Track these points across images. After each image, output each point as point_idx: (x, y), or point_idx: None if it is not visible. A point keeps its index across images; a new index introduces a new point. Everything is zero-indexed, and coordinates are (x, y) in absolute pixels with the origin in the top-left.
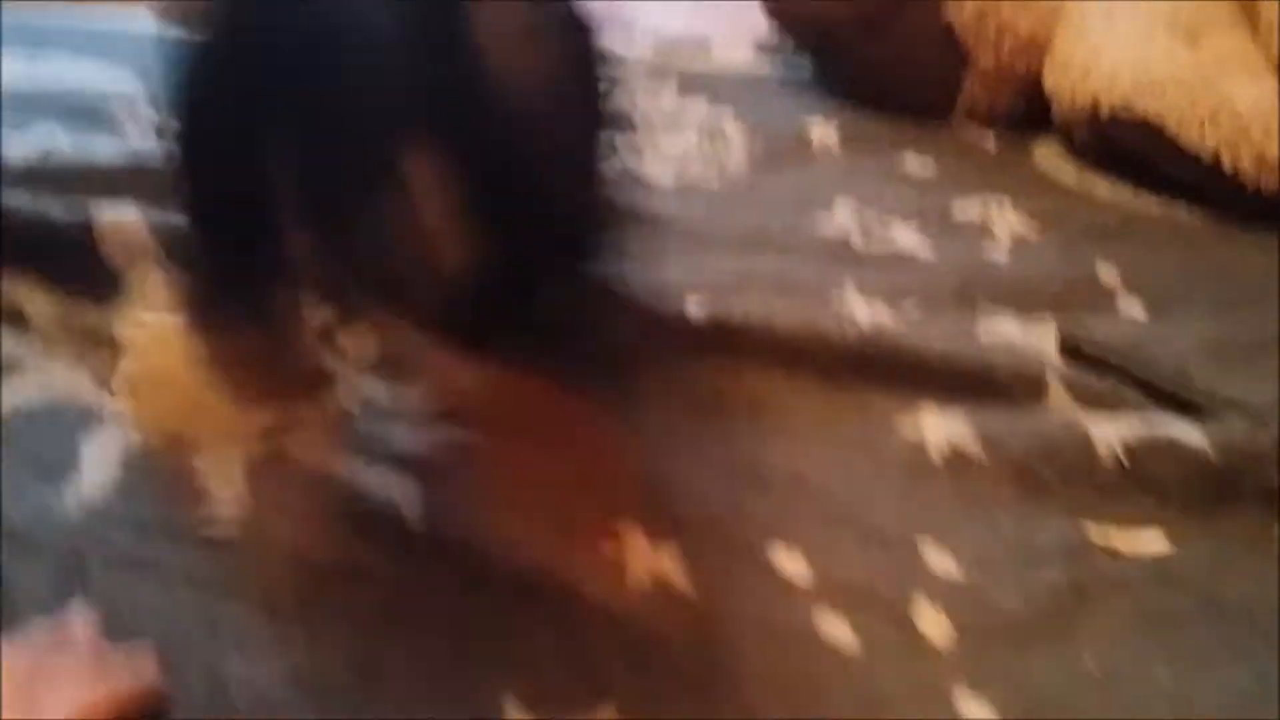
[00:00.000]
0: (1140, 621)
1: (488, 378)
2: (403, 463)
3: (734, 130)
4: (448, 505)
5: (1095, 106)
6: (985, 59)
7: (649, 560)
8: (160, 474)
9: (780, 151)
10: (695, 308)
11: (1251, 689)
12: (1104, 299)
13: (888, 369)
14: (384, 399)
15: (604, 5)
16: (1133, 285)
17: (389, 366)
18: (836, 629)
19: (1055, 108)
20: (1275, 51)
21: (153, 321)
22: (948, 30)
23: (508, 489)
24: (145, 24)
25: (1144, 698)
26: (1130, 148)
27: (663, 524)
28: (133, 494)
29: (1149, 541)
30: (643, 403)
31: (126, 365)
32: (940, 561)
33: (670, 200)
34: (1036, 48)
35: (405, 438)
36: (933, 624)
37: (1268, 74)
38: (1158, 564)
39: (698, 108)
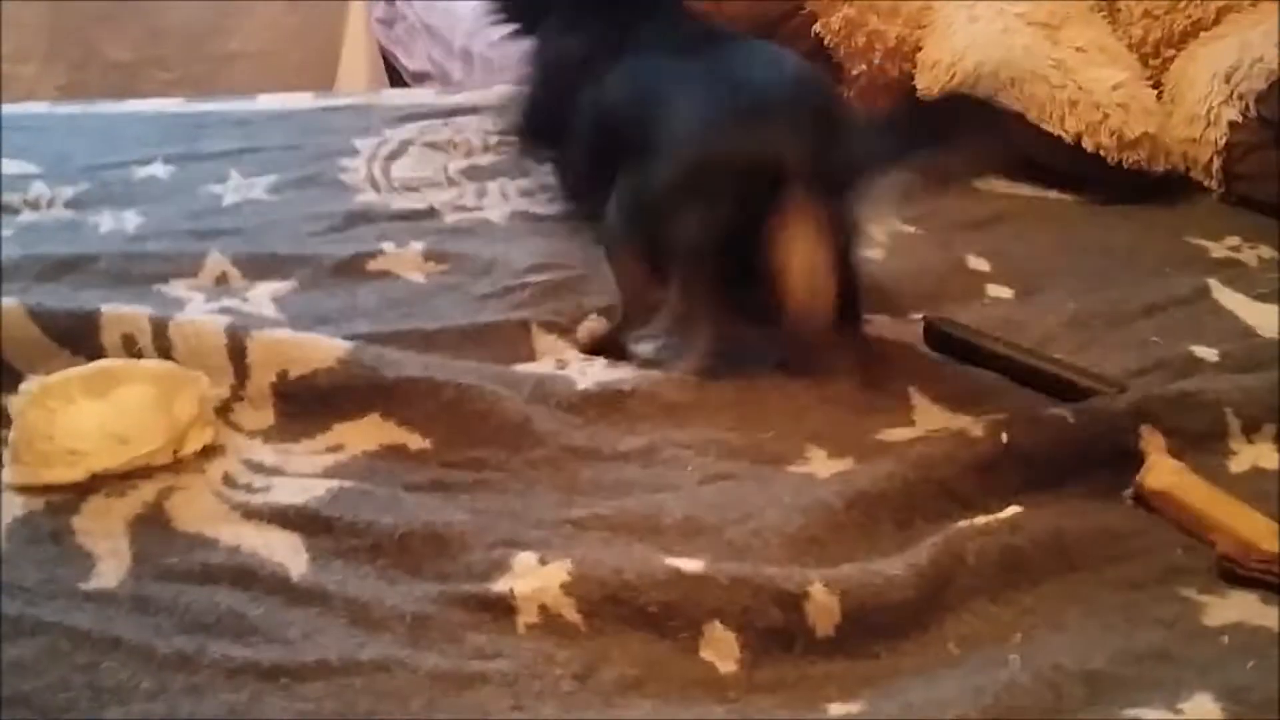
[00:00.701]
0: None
1: None
2: (286, 519)
3: None
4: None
5: None
6: (857, 68)
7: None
8: (42, 538)
9: None
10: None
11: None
12: (974, 287)
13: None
14: (270, 461)
15: (497, 50)
16: (1000, 271)
17: (281, 434)
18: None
19: None
20: (1134, 36)
21: (35, 389)
22: (819, 43)
23: None
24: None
25: None
26: None
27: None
28: (16, 562)
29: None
30: None
31: (10, 434)
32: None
33: None
34: (906, 52)
35: (290, 494)
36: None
37: (1126, 60)
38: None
39: None
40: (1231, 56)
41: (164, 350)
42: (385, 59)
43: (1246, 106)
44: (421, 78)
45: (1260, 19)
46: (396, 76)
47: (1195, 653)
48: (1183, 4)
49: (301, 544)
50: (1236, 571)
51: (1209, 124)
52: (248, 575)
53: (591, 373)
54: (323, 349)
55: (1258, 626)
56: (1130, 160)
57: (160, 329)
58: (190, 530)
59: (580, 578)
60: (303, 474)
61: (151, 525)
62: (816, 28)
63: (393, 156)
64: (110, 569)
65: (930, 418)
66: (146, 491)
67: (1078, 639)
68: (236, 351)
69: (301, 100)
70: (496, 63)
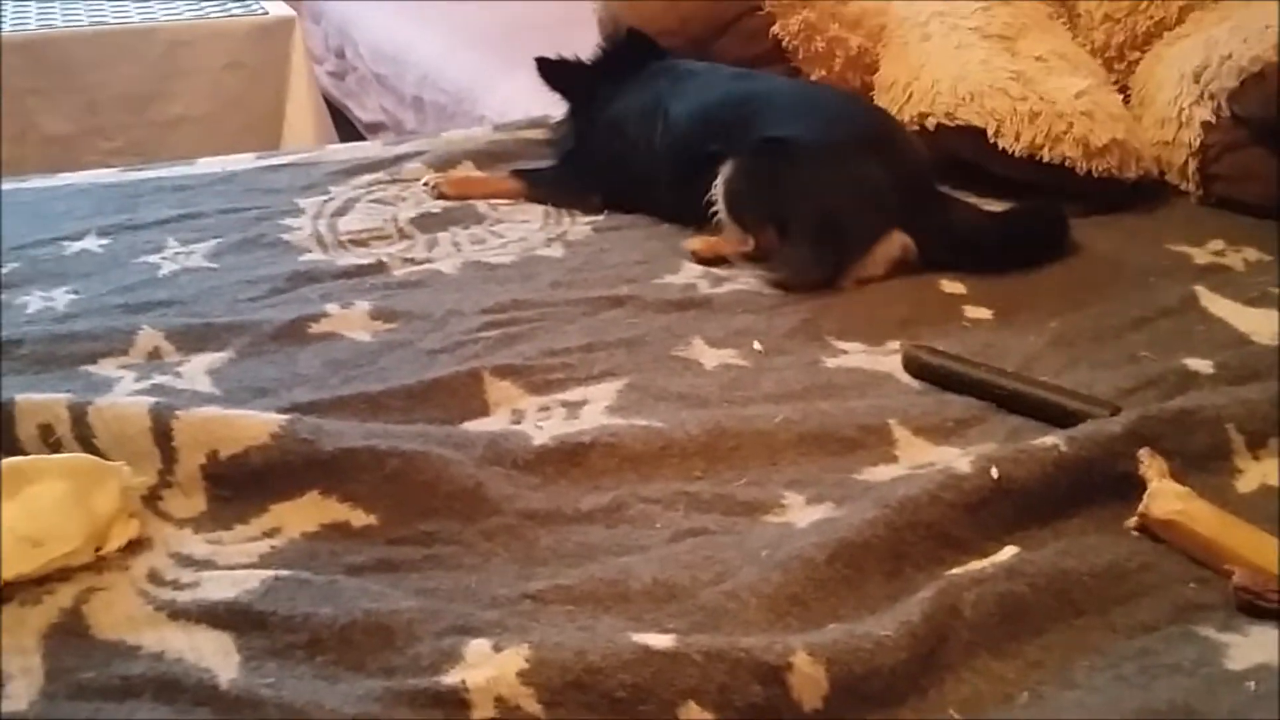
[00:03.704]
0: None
1: None
2: (216, 617)
3: None
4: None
5: (923, 120)
6: (816, 73)
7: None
8: None
9: None
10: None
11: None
12: (951, 310)
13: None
14: (200, 553)
15: (449, 96)
16: (977, 292)
17: (213, 520)
18: None
19: None
20: (1096, 42)
21: None
22: (776, 46)
23: None
24: None
25: None
26: (960, 156)
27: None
28: None
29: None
30: None
31: None
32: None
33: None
34: (867, 64)
35: (220, 589)
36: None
37: (1089, 66)
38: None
39: None
40: (1199, 55)
41: (84, 439)
42: (338, 113)
43: (1219, 106)
44: (375, 129)
45: (1224, 15)
46: (351, 129)
47: (1220, 704)
48: (1144, 5)
49: (232, 644)
50: (1256, 604)
51: (1181, 125)
52: (171, 686)
53: (548, 426)
54: (255, 424)
55: None
56: (1100, 169)
57: (79, 416)
58: (110, 638)
59: (539, 663)
60: (235, 565)
61: (68, 635)
62: (774, 29)
63: (340, 212)
64: (21, 689)
65: (914, 451)
66: (63, 596)
67: (1090, 696)
68: (162, 434)
69: (242, 161)
70: (449, 109)
